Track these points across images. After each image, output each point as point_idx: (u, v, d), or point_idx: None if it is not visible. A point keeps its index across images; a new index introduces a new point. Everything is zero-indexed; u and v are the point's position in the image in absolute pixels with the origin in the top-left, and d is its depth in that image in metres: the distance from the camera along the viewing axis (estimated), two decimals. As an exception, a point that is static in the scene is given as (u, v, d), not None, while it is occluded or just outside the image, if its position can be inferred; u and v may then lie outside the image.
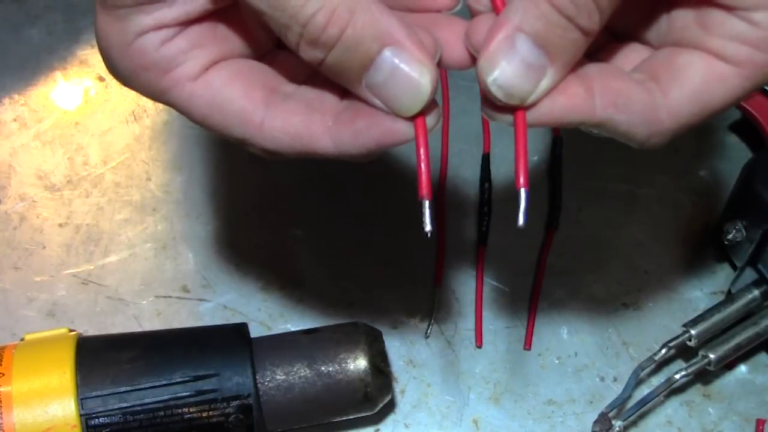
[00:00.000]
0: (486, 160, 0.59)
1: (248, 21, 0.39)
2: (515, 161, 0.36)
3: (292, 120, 0.38)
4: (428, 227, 0.36)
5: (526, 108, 0.36)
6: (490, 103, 0.37)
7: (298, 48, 0.35)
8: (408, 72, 0.35)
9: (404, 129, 0.36)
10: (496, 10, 0.37)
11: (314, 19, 0.34)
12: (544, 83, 0.36)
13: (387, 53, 0.35)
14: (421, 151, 0.36)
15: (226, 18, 0.39)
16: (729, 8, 0.37)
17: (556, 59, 0.36)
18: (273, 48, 0.42)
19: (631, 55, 0.41)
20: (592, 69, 0.38)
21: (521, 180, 0.36)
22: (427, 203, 0.37)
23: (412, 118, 0.36)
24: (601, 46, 0.41)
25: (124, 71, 0.38)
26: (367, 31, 0.35)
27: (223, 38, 0.39)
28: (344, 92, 0.39)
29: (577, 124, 0.37)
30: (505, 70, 0.35)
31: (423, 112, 0.36)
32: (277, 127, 0.38)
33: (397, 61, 0.35)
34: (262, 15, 0.35)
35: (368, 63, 0.35)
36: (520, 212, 0.36)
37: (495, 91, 0.36)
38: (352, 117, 0.37)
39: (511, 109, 0.36)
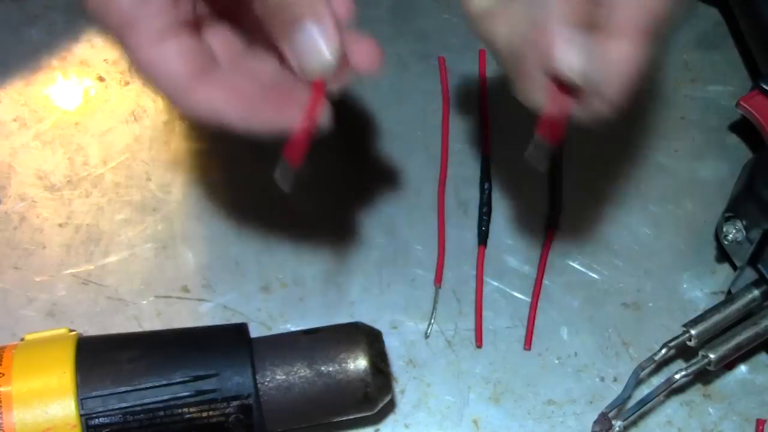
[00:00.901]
0: (486, 160, 0.59)
1: None
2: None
3: (216, 94, 0.42)
4: (287, 188, 0.42)
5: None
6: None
7: None
8: (322, 46, 0.40)
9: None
10: None
11: None
12: None
13: (312, 23, 0.40)
14: (310, 111, 0.41)
15: None
16: None
17: None
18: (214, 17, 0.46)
19: None
20: None
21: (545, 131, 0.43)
22: (286, 166, 0.42)
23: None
24: None
25: (97, 14, 0.42)
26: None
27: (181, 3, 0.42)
28: (274, 70, 0.44)
29: None
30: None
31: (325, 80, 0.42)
32: (201, 99, 0.42)
33: (316, 33, 0.40)
34: None
35: (295, 22, 0.40)
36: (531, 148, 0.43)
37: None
38: (267, 97, 0.43)
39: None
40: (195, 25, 0.43)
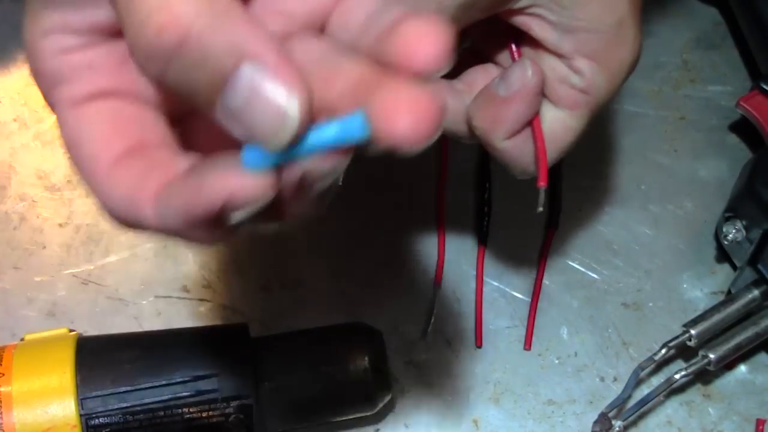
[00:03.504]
0: (486, 160, 0.59)
1: None
2: (536, 163, 0.43)
3: (123, 182, 0.31)
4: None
5: None
6: None
7: (135, 60, 0.28)
8: (270, 94, 0.27)
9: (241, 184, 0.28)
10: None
11: (149, 20, 0.27)
12: None
13: (246, 69, 0.27)
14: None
15: None
16: (557, 54, 0.42)
17: None
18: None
19: (483, 74, 0.45)
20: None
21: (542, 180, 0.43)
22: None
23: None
24: (464, 65, 0.46)
25: (29, 67, 0.33)
26: (220, 41, 0.27)
27: (126, 68, 0.33)
28: None
29: None
30: None
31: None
32: (110, 188, 0.31)
33: (257, 79, 0.27)
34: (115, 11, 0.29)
35: (221, 82, 0.27)
36: (539, 202, 0.44)
37: None
38: (183, 177, 0.30)
39: None
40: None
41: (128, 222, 0.31)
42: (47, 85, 0.33)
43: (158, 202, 0.30)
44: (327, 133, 0.28)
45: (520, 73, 0.42)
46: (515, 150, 0.44)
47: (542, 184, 0.43)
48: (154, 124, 0.33)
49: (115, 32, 0.32)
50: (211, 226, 0.29)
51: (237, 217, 0.29)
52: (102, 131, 0.32)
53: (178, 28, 0.27)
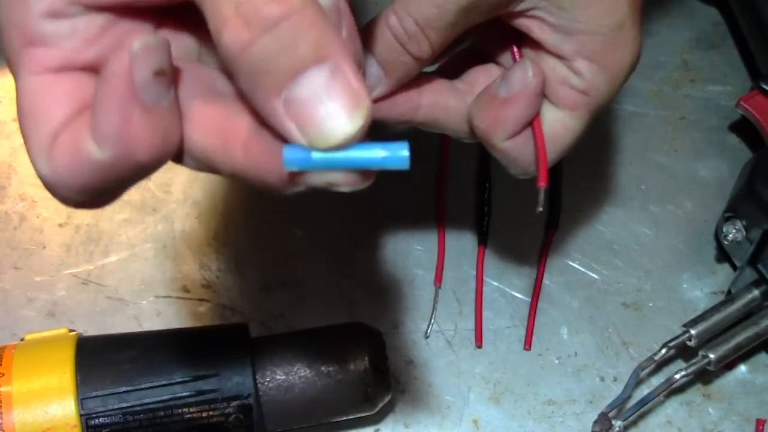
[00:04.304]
0: (486, 160, 0.59)
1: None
2: (537, 163, 0.43)
3: (65, 138, 0.31)
4: None
5: None
6: None
7: (226, 25, 0.29)
8: (341, 101, 0.28)
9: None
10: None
11: None
12: (377, 90, 0.43)
13: (324, 69, 0.28)
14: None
15: (129, 18, 0.33)
16: (557, 56, 0.43)
17: (390, 74, 0.42)
18: None
19: (485, 74, 0.46)
20: (430, 82, 0.45)
21: (542, 180, 0.43)
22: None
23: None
24: (467, 65, 0.46)
25: (4, 15, 0.32)
26: (312, 32, 0.28)
27: (99, 43, 0.33)
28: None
29: (405, 121, 0.45)
30: None
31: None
32: (56, 148, 0.32)
33: (332, 82, 0.28)
34: None
35: (299, 70, 0.28)
36: (539, 203, 0.43)
37: None
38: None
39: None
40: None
41: (77, 181, 0.31)
42: (20, 42, 0.32)
43: (91, 118, 0.30)
44: (372, 154, 0.29)
45: (521, 74, 0.42)
46: (516, 150, 0.44)
47: (542, 184, 0.43)
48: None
49: (102, 5, 0.32)
50: (143, 109, 0.30)
51: (152, 78, 0.30)
52: (63, 105, 0.32)
53: (285, 5, 0.28)
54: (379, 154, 0.29)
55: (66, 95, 0.32)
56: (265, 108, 0.29)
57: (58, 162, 0.31)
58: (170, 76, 0.30)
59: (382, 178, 0.59)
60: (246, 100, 0.30)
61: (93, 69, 0.33)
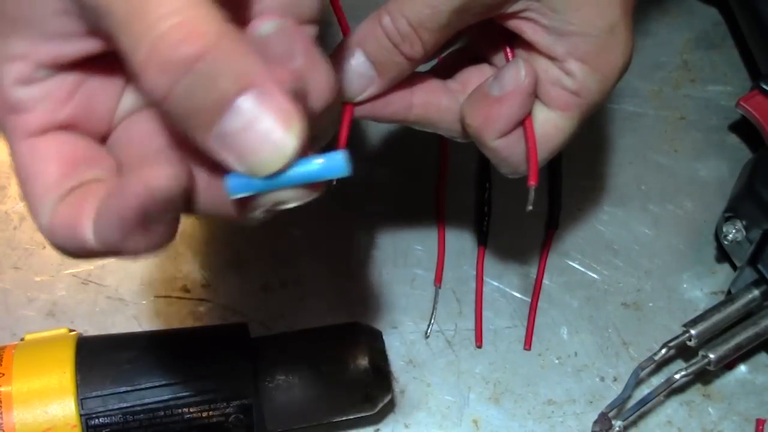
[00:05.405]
0: (486, 160, 0.58)
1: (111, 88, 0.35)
2: (528, 162, 0.44)
3: (65, 209, 0.32)
4: None
5: (354, 105, 0.44)
6: None
7: (144, 72, 0.29)
8: (272, 124, 0.29)
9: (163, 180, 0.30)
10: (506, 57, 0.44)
11: (170, 32, 0.28)
12: (370, 90, 0.43)
13: (249, 97, 0.28)
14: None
15: (98, 74, 0.34)
16: (549, 57, 0.43)
17: (383, 74, 0.43)
18: None
19: (478, 74, 0.46)
20: (423, 82, 0.45)
21: (532, 179, 0.44)
22: None
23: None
24: (460, 65, 0.47)
25: None
26: (233, 63, 0.28)
27: (74, 100, 0.34)
28: None
29: (398, 120, 0.46)
30: (344, 75, 0.42)
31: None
32: (54, 218, 0.33)
33: (259, 108, 0.29)
34: (114, 25, 0.29)
35: (225, 105, 0.29)
36: (529, 201, 0.44)
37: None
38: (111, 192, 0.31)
39: (346, 102, 0.44)
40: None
41: (73, 249, 0.33)
42: (2, 111, 0.33)
43: (95, 219, 0.31)
44: (310, 167, 0.30)
45: (514, 73, 0.43)
46: (507, 149, 0.44)
47: (532, 183, 0.44)
48: (98, 153, 0.34)
49: (73, 64, 0.33)
50: (143, 228, 0.30)
51: (159, 210, 0.30)
52: (53, 166, 0.33)
53: (198, 43, 0.28)
54: (316, 165, 0.30)
55: (51, 156, 0.33)
56: (203, 145, 0.30)
57: (56, 231, 0.33)
58: (181, 206, 0.31)
59: (381, 178, 0.59)
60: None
61: (72, 127, 0.34)
